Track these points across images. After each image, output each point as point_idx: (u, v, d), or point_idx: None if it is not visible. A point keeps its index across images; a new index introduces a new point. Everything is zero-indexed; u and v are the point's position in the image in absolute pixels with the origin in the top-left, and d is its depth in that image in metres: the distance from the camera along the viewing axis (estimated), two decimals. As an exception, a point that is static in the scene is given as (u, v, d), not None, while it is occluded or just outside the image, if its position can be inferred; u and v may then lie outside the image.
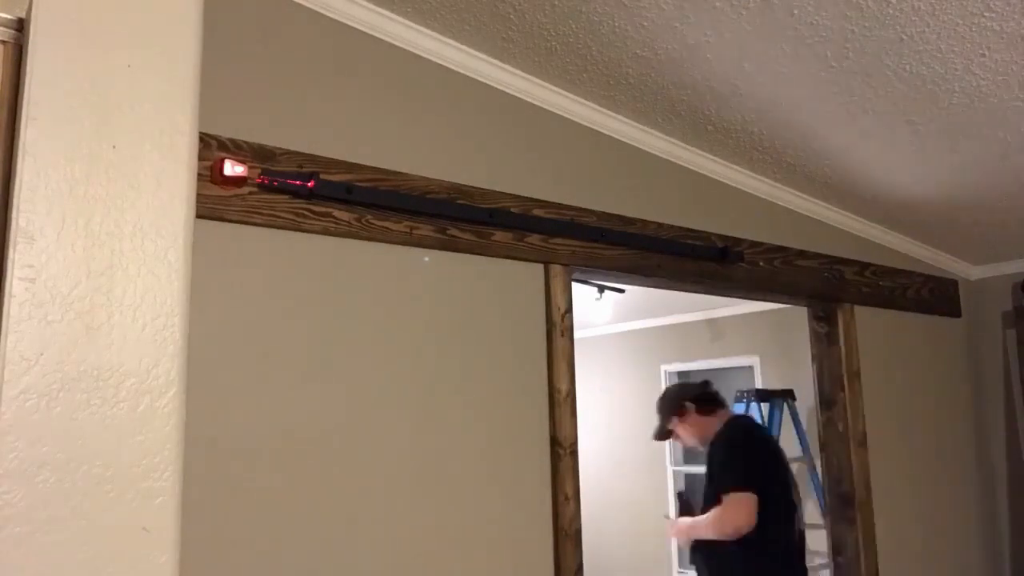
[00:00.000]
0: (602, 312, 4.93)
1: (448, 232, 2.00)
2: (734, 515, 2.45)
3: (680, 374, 5.60)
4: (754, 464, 2.57)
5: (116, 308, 1.00)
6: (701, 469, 5.29)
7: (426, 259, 1.97)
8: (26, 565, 0.91)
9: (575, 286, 2.37)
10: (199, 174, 1.53)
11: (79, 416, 0.96)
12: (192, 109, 1.10)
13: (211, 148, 1.66)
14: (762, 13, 1.86)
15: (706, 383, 2.88)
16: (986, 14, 1.82)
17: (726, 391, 5.08)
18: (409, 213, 1.94)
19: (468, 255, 2.04)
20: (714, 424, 2.73)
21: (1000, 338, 3.66)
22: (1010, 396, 3.62)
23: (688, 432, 2.82)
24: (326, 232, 1.81)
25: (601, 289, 4.20)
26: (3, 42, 1.05)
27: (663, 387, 5.51)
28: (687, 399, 2.80)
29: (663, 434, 2.90)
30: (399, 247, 1.93)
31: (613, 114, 2.43)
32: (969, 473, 3.58)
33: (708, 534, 2.59)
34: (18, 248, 0.95)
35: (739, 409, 4.46)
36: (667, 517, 2.93)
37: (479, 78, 2.17)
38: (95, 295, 0.99)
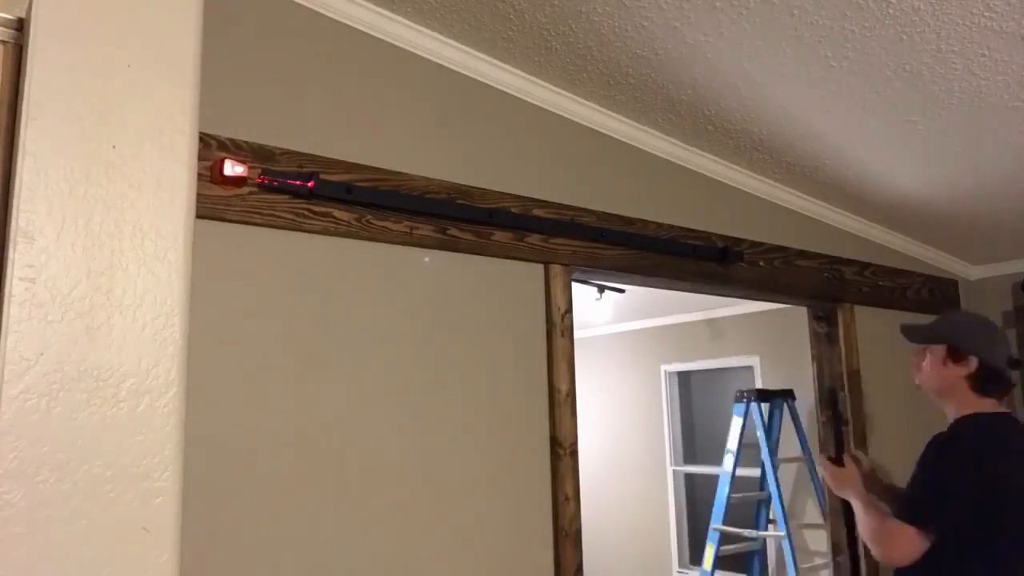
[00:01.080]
0: (602, 312, 4.93)
1: (448, 232, 2.00)
2: (888, 547, 1.91)
3: (680, 374, 5.60)
4: (954, 496, 1.86)
5: (116, 308, 1.00)
6: (702, 469, 5.33)
7: (426, 259, 1.97)
8: (26, 565, 0.91)
9: (575, 286, 2.37)
10: (199, 174, 1.53)
11: (79, 416, 0.96)
12: (192, 109, 1.10)
13: (211, 148, 1.66)
14: (762, 13, 1.86)
15: (1015, 361, 2.05)
16: (986, 14, 1.82)
17: (726, 391, 5.12)
18: (409, 213, 1.94)
19: (468, 255, 2.04)
20: (955, 386, 2.00)
21: (1000, 338, 3.66)
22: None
23: (923, 371, 2.09)
24: (326, 232, 1.81)
25: (601, 289, 4.20)
26: (3, 42, 1.05)
27: (663, 386, 5.55)
28: (959, 343, 2.01)
29: (914, 336, 2.15)
30: (399, 247, 1.93)
31: (613, 114, 2.43)
32: (969, 473, 3.58)
33: (860, 529, 2.04)
34: (18, 248, 0.95)
35: (738, 411, 4.46)
36: (829, 458, 2.20)
37: (479, 78, 2.17)
38: (95, 295, 0.99)
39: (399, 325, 1.90)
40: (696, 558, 5.18)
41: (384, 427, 1.84)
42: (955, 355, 2.01)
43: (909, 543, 1.85)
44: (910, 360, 2.15)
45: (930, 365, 2.06)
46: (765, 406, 4.45)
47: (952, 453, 1.91)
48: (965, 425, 1.97)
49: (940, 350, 2.04)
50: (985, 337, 2.03)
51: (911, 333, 2.17)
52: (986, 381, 1.98)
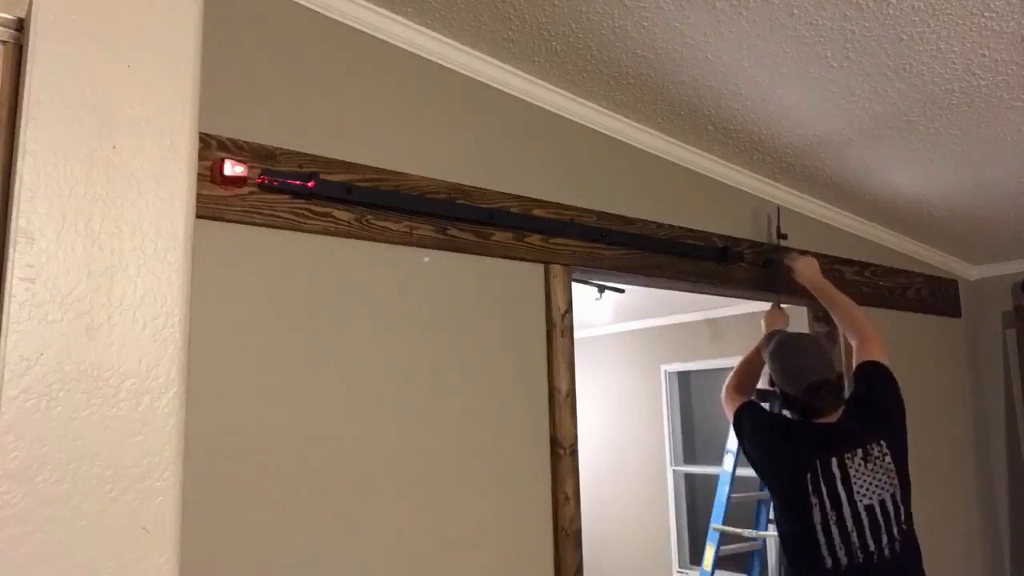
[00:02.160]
0: (602, 312, 4.93)
1: (448, 232, 2.00)
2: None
3: (680, 374, 5.60)
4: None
5: (116, 308, 1.00)
6: (701, 469, 5.33)
7: (426, 259, 1.97)
8: (26, 565, 0.91)
9: (575, 286, 2.37)
10: (199, 174, 1.53)
11: (79, 416, 0.96)
12: (192, 109, 1.10)
13: (211, 148, 1.66)
14: (762, 13, 1.86)
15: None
16: (986, 14, 1.82)
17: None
18: (409, 213, 1.94)
19: (468, 255, 2.04)
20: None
21: (1000, 338, 3.67)
22: (1010, 396, 3.62)
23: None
24: (326, 232, 1.81)
25: (601, 289, 4.20)
26: (3, 42, 1.05)
27: (663, 386, 5.55)
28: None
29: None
30: (399, 247, 1.93)
31: (613, 114, 2.43)
32: (969, 473, 3.58)
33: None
34: (18, 248, 0.95)
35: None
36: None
37: (479, 78, 2.17)
38: (95, 295, 0.99)
39: (399, 325, 1.90)
40: (696, 558, 5.18)
41: (384, 427, 1.84)
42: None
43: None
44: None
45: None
46: (765, 406, 4.44)
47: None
48: None
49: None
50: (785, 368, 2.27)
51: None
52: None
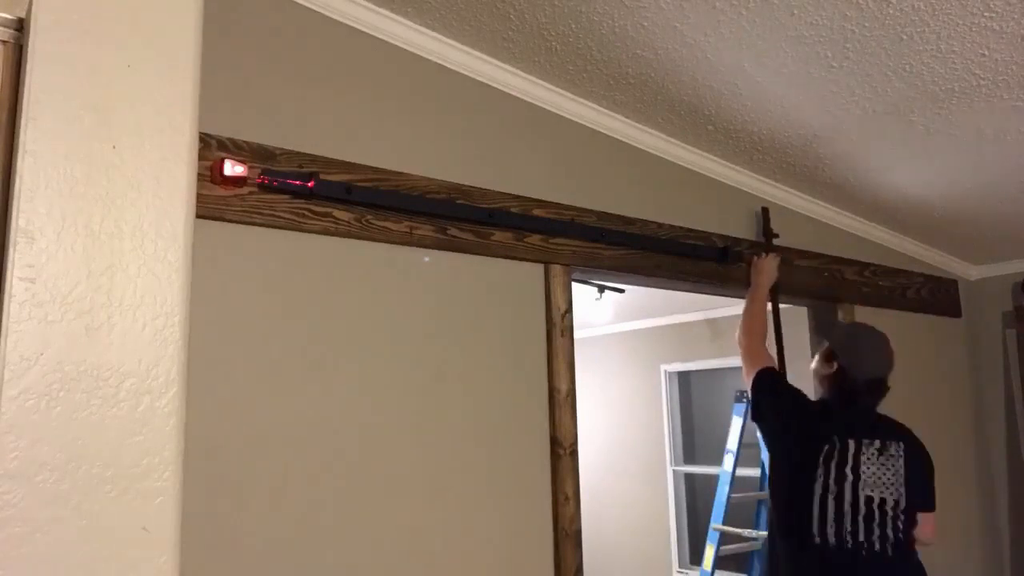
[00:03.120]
0: (602, 312, 4.93)
1: (448, 232, 2.00)
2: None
3: (680, 374, 5.60)
4: None
5: (116, 308, 1.00)
6: (701, 469, 5.33)
7: (426, 259, 1.97)
8: (26, 565, 0.91)
9: (575, 286, 2.37)
10: (199, 174, 1.53)
11: (79, 416, 0.96)
12: (192, 109, 1.10)
13: (211, 148, 1.66)
14: (762, 13, 1.86)
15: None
16: (986, 14, 1.82)
17: (726, 391, 5.11)
18: (409, 213, 1.94)
19: (468, 255, 2.04)
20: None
21: (1000, 338, 3.67)
22: (1010, 396, 3.62)
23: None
24: (326, 232, 1.81)
25: (601, 289, 4.20)
26: (3, 42, 1.05)
27: (663, 386, 5.54)
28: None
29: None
30: (399, 247, 1.93)
31: (613, 114, 2.43)
32: (969, 473, 3.58)
33: (753, 324, 2.52)
34: (18, 248, 0.95)
35: (738, 411, 4.46)
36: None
37: (479, 78, 2.17)
38: (95, 295, 0.99)
39: (399, 325, 1.90)
40: (696, 558, 5.18)
41: (384, 427, 1.84)
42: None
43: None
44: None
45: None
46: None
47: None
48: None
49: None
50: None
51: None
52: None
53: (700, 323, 5.35)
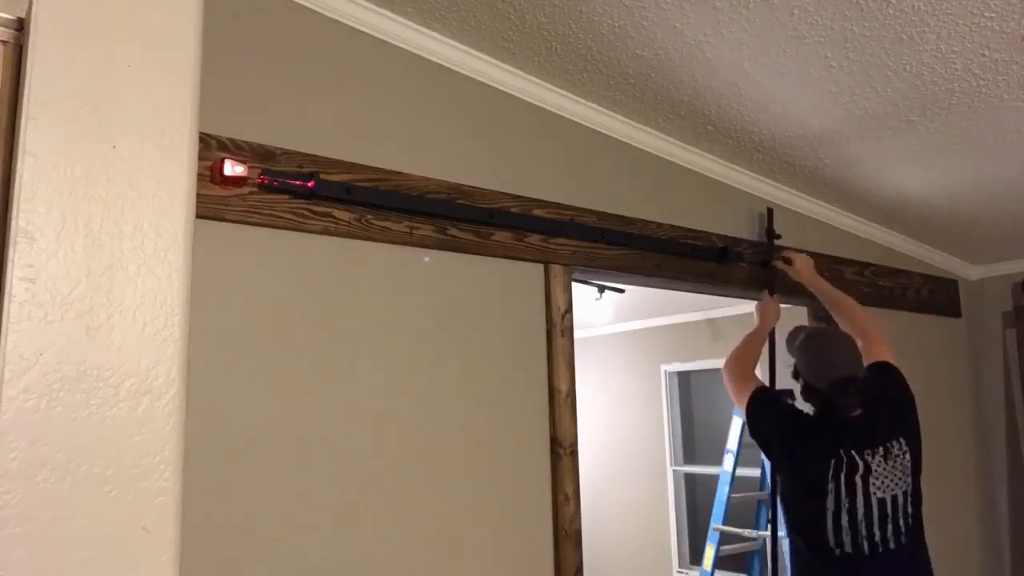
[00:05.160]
0: (602, 312, 4.93)
1: (448, 232, 2.00)
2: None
3: (680, 374, 5.60)
4: None
5: (116, 308, 1.00)
6: (701, 469, 5.33)
7: (426, 259, 1.97)
8: (26, 565, 0.91)
9: (575, 286, 2.37)
10: (199, 174, 1.53)
11: (79, 416, 0.96)
12: (192, 109, 1.10)
13: (211, 148, 1.66)
14: (762, 13, 1.86)
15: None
16: (986, 14, 1.82)
17: (726, 391, 5.10)
18: (409, 213, 1.94)
19: (468, 255, 2.04)
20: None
21: (1000, 338, 3.67)
22: (1010, 396, 3.62)
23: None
24: (326, 232, 1.81)
25: (601, 289, 4.20)
26: (3, 42, 1.05)
27: (663, 386, 5.55)
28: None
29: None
30: (399, 247, 1.92)
31: (613, 114, 2.43)
32: (969, 472, 3.58)
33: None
34: (18, 248, 0.95)
35: (738, 411, 4.45)
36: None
37: (479, 78, 2.17)
38: (95, 295, 0.99)
39: (399, 325, 1.90)
40: (696, 558, 5.18)
41: (384, 427, 1.84)
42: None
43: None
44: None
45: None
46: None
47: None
48: None
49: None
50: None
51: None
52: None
53: (700, 323, 5.35)
